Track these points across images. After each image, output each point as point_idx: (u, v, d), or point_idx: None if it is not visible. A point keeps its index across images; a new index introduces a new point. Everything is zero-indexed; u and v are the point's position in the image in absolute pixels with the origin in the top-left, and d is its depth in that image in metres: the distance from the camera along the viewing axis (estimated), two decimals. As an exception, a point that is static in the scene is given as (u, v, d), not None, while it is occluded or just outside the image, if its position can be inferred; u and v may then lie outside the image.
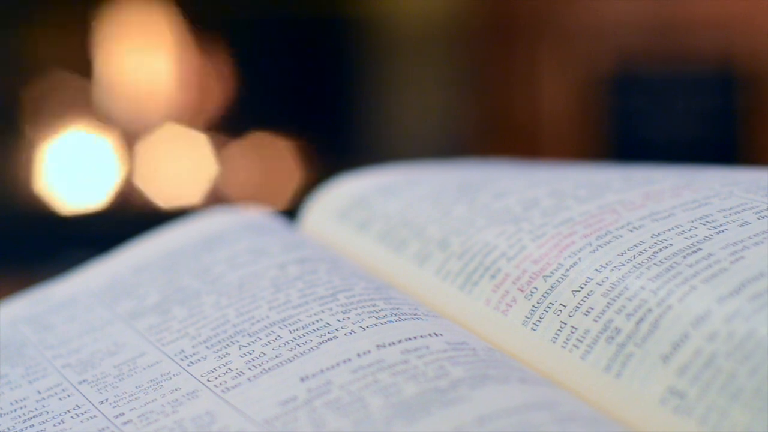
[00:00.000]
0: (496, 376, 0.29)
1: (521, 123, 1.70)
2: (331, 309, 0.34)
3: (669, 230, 0.33)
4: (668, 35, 1.63)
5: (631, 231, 0.34)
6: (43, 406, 0.33)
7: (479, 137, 1.72)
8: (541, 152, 1.65)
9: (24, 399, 0.34)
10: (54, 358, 0.36)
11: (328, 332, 0.32)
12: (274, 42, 1.70)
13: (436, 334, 0.32)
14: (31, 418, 0.33)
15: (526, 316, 0.33)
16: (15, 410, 0.33)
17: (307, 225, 0.44)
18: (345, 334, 0.32)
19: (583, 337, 0.31)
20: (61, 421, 0.32)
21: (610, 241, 0.33)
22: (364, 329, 0.32)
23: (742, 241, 0.31)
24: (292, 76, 1.73)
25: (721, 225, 0.33)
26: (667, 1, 1.63)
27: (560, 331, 0.31)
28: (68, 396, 0.33)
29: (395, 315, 0.33)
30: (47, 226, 1.64)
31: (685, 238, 0.32)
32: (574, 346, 0.31)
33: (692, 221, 0.33)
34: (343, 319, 0.33)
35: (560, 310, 0.32)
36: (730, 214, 0.33)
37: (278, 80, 1.73)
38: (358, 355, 0.31)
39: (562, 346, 0.31)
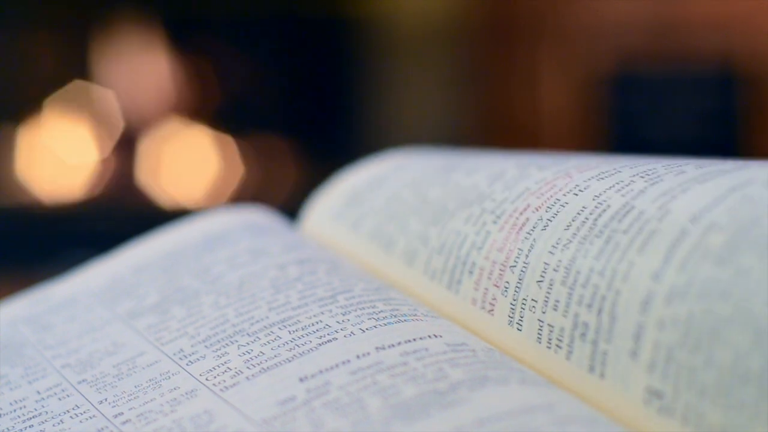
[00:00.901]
0: (495, 378, 0.29)
1: (521, 123, 1.70)
2: (330, 311, 0.34)
3: (609, 188, 0.32)
4: (668, 35, 1.63)
5: (576, 195, 0.33)
6: (43, 406, 0.33)
7: (479, 137, 1.72)
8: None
9: (23, 399, 0.34)
10: (53, 358, 0.36)
11: (328, 334, 0.32)
12: (275, 42, 1.70)
13: (436, 336, 0.32)
14: (30, 418, 0.33)
15: (509, 316, 0.32)
16: (14, 410, 0.33)
17: (307, 225, 0.44)
18: (344, 336, 0.32)
19: (562, 336, 0.30)
20: (61, 421, 0.32)
21: (557, 213, 0.33)
22: (364, 331, 0.32)
23: (671, 189, 0.30)
24: (293, 76, 1.73)
25: (658, 176, 0.31)
26: (667, 1, 1.63)
27: (541, 330, 0.31)
28: (67, 396, 0.33)
29: (395, 317, 0.33)
30: (47, 226, 1.64)
31: (622, 195, 0.31)
32: (557, 346, 0.30)
33: (633, 176, 0.32)
34: (343, 320, 0.33)
35: (534, 307, 0.31)
36: (671, 167, 0.32)
37: (279, 80, 1.73)
38: (358, 356, 0.31)
39: (547, 347, 0.31)
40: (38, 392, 0.34)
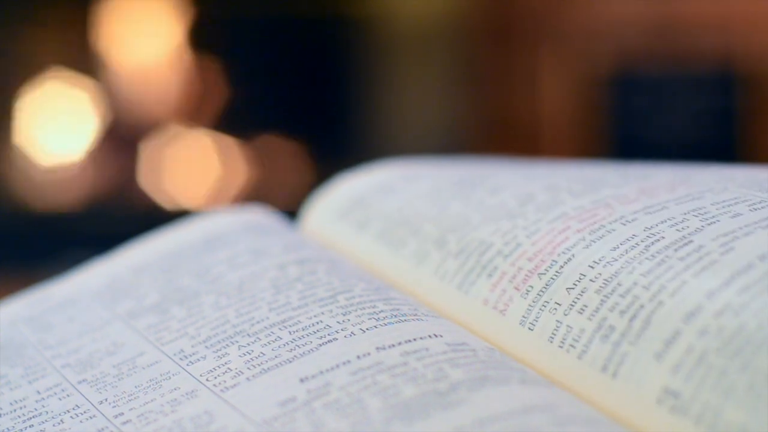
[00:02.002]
0: (495, 378, 0.29)
1: (521, 123, 1.70)
2: (330, 311, 0.34)
3: (661, 223, 0.33)
4: (668, 35, 1.63)
5: (624, 225, 0.34)
6: (43, 406, 0.33)
7: (479, 137, 1.72)
8: (541, 152, 1.65)
9: (24, 399, 0.34)
10: (53, 358, 0.36)
11: (328, 334, 0.32)
12: (275, 42, 1.70)
13: (436, 336, 0.32)
14: (30, 418, 0.33)
15: (523, 316, 0.33)
16: (15, 410, 0.33)
17: (307, 225, 0.44)
18: (345, 336, 0.32)
19: (579, 337, 0.31)
20: (61, 421, 0.32)
21: (603, 236, 0.33)
22: (364, 331, 0.32)
23: (732, 231, 0.31)
24: (293, 77, 1.73)
25: (713, 217, 0.33)
26: (667, 1, 1.63)
27: (556, 330, 0.32)
28: (68, 396, 0.33)
29: (395, 317, 0.33)
30: (47, 226, 1.64)
31: (677, 230, 0.32)
32: (571, 345, 0.31)
33: (685, 213, 0.33)
34: (343, 321, 0.33)
35: (555, 309, 0.32)
36: (722, 207, 0.33)
37: (279, 80, 1.73)
38: (358, 357, 0.31)
39: (559, 346, 0.31)
40: (38, 392, 0.34)
